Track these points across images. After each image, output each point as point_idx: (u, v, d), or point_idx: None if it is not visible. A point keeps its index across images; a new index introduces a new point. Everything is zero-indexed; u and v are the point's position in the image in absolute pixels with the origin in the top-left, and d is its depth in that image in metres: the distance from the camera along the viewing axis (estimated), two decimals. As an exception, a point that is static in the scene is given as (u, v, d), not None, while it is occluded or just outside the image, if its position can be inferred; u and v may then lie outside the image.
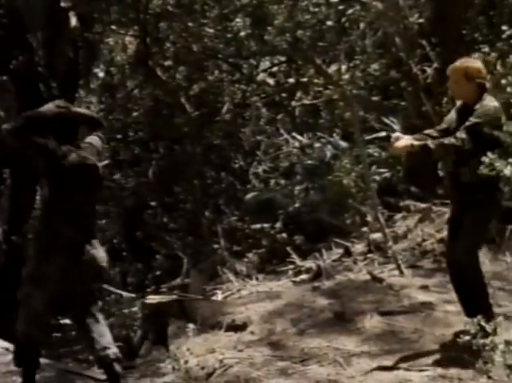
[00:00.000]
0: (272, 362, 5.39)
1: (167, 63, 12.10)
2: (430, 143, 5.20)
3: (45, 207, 5.13)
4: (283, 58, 12.62)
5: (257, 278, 8.70)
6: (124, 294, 9.86)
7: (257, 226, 10.63)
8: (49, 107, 5.17)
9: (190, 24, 11.06)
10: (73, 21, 11.28)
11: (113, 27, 12.15)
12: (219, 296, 8.01)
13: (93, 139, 5.30)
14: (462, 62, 5.63)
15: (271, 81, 12.88)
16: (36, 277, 4.98)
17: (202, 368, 5.44)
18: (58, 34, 11.29)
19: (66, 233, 4.92)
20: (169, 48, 11.84)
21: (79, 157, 4.99)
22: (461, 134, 5.18)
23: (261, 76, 12.50)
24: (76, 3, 11.01)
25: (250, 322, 6.18)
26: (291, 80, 11.76)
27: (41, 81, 11.80)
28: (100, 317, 5.03)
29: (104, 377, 5.43)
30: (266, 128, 12.94)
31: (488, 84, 5.57)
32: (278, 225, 10.27)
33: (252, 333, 5.89)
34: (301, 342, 5.70)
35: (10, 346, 6.32)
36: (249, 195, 11.74)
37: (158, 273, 12.02)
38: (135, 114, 13.72)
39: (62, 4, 11.00)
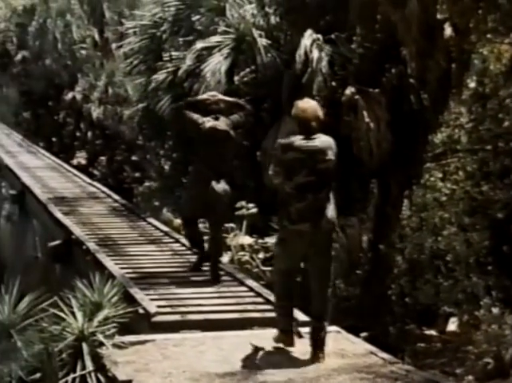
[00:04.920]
0: None
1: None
2: None
3: (194, 156, 8.66)
4: None
5: None
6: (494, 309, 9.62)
7: None
8: (201, 96, 9.01)
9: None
10: (448, 31, 11.28)
11: (489, 36, 11.93)
12: None
13: (234, 115, 8.46)
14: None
15: None
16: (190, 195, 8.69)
17: None
18: (432, 46, 11.37)
19: (204, 172, 8.25)
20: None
21: (213, 124, 8.22)
22: None
23: None
24: (452, 14, 11.01)
25: None
26: None
27: (412, 93, 11.96)
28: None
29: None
30: None
31: (314, 125, 5.81)
32: None
33: None
34: None
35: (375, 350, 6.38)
36: None
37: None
38: (506, 124, 13.35)
39: (438, 16, 11.07)
